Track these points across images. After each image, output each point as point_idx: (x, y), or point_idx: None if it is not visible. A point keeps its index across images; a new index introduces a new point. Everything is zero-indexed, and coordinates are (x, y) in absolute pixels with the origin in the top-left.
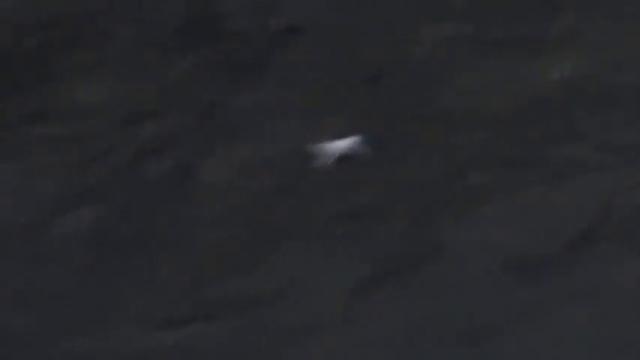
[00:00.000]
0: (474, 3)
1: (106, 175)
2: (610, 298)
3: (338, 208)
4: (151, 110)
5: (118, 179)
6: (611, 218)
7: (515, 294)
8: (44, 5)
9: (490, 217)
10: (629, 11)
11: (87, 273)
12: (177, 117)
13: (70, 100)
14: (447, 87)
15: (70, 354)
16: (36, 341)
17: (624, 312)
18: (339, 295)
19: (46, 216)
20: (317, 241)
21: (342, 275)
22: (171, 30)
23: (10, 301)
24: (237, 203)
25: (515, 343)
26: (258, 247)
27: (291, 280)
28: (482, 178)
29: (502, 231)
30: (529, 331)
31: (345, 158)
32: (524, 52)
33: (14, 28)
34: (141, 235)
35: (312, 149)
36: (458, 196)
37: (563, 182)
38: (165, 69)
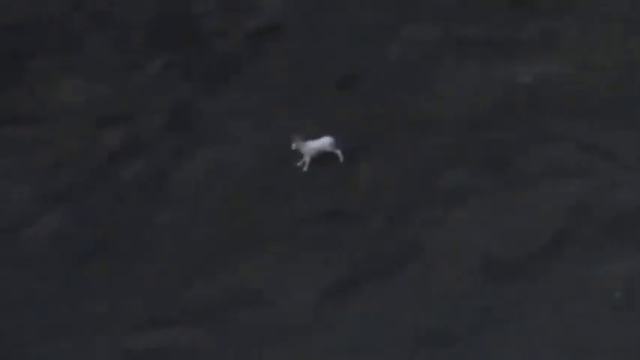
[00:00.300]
0: (449, 6)
1: (77, 178)
2: (581, 300)
3: (312, 210)
4: (122, 113)
5: (90, 182)
6: (584, 221)
7: (487, 296)
8: (13, 10)
9: (465, 219)
10: (603, 15)
11: (58, 276)
12: (149, 119)
13: (41, 104)
14: (421, 89)
15: (43, 356)
16: (9, 344)
17: (594, 314)
18: (314, 296)
19: (17, 220)
20: (291, 243)
21: (317, 276)
22: (144, 32)
23: None
24: (209, 205)
25: (486, 344)
26: (231, 249)
27: (265, 281)
28: (457, 181)
29: (476, 233)
30: (500, 332)
31: (319, 160)
32: (499, 54)
33: None
34: (112, 239)
35: (286, 151)
36: (433, 199)
37: (537, 184)
38: (137, 71)
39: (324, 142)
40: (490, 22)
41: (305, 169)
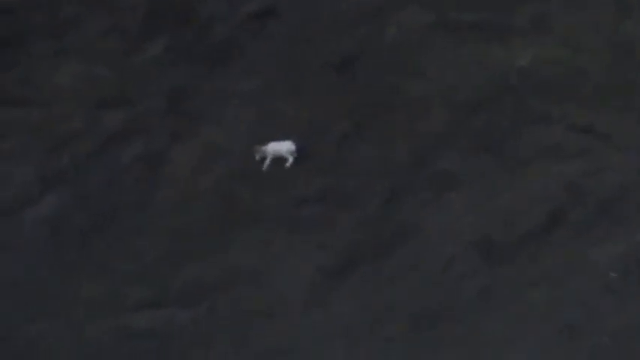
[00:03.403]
0: None
1: (76, 160)
2: (575, 280)
3: (308, 192)
4: (121, 96)
5: (89, 164)
6: (578, 202)
7: (482, 276)
8: None
9: (457, 202)
10: (595, 0)
11: (56, 257)
12: (147, 102)
13: (40, 87)
14: (417, 72)
15: (36, 337)
16: (6, 323)
17: (588, 293)
18: (309, 277)
19: (17, 201)
20: (287, 224)
21: (313, 257)
22: (140, 16)
23: None
24: (206, 187)
25: (481, 324)
26: (223, 232)
27: (260, 262)
28: (450, 164)
29: (471, 214)
30: (496, 312)
31: (310, 144)
32: (492, 38)
33: None
34: (111, 219)
35: (282, 134)
36: (426, 182)
37: (530, 166)
38: (135, 55)
39: (283, 147)
40: (484, 7)
41: (264, 168)
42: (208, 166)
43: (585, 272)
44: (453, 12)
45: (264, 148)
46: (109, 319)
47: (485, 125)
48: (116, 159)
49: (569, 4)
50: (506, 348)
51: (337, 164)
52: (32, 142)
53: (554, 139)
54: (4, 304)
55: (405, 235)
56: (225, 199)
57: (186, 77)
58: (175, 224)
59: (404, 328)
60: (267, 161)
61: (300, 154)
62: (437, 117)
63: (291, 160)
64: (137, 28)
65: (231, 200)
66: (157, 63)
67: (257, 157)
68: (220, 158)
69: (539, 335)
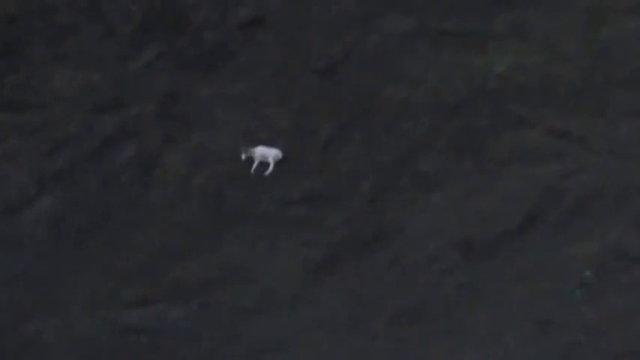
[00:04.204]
0: None
1: (72, 162)
2: (551, 278)
3: (295, 193)
4: (115, 100)
5: (84, 166)
6: (554, 202)
7: (462, 274)
8: (10, 1)
9: (439, 203)
10: (571, 7)
11: (52, 256)
12: (141, 106)
13: (38, 92)
14: (399, 77)
15: (31, 334)
16: (4, 320)
17: (561, 294)
18: (291, 277)
19: (15, 202)
20: (275, 224)
21: (294, 258)
22: (134, 23)
23: None
24: (194, 190)
25: (461, 319)
26: (213, 231)
27: (244, 262)
28: (433, 164)
29: (451, 214)
30: (475, 308)
31: (297, 146)
32: (471, 45)
33: None
34: (105, 219)
35: (269, 137)
36: (408, 182)
37: (509, 168)
38: (129, 61)
39: (271, 153)
40: (464, 15)
41: (252, 170)
42: (199, 168)
43: (561, 269)
44: (433, 20)
45: (252, 150)
46: (103, 316)
47: (465, 128)
48: (111, 161)
49: (546, 11)
50: (485, 341)
51: (323, 165)
52: (30, 145)
53: (531, 142)
54: (1, 302)
55: (388, 233)
56: (214, 199)
57: (178, 82)
58: (167, 224)
59: (387, 323)
60: (255, 164)
61: (286, 155)
62: (419, 120)
63: (272, 167)
64: (131, 35)
65: (221, 201)
66: (150, 69)
67: (243, 157)
68: (210, 160)
69: (516, 329)
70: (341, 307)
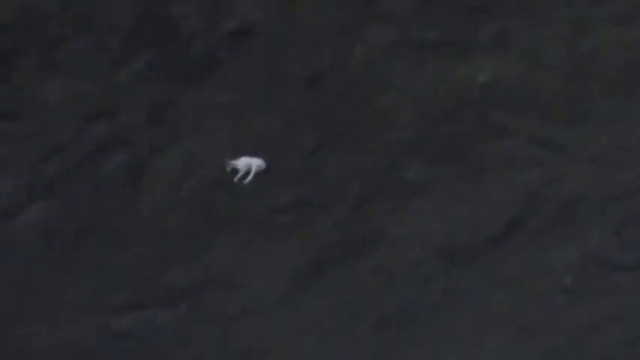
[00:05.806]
0: (409, 8)
1: (62, 170)
2: (532, 284)
3: (278, 202)
4: (105, 109)
5: (74, 174)
6: (536, 210)
7: (444, 282)
8: (0, 9)
9: (424, 209)
10: (554, 17)
11: (43, 263)
12: (130, 115)
13: (28, 101)
14: (383, 87)
15: (21, 339)
16: None
17: (543, 299)
18: (278, 282)
19: (3, 210)
20: (262, 230)
21: (282, 263)
22: (124, 32)
23: None
24: (186, 195)
25: (446, 324)
26: (201, 237)
27: (233, 268)
28: (417, 172)
29: (436, 221)
30: (459, 313)
31: (284, 155)
32: (454, 55)
33: None
34: (93, 227)
35: (254, 146)
36: (393, 189)
37: (492, 176)
38: (119, 70)
39: (254, 162)
40: (448, 25)
41: (235, 179)
42: (187, 176)
43: (543, 275)
44: (417, 30)
45: (235, 162)
46: (93, 321)
47: (449, 137)
48: (101, 169)
49: (529, 21)
50: (469, 346)
51: (309, 173)
52: (21, 153)
53: (513, 150)
54: None
55: (374, 240)
56: (203, 206)
57: (167, 92)
58: (156, 230)
59: (373, 328)
60: (240, 174)
61: (274, 163)
62: (403, 129)
63: (251, 176)
64: (120, 45)
65: (209, 208)
66: (139, 78)
67: (228, 170)
68: (199, 168)
69: (500, 334)
70: (327, 312)
